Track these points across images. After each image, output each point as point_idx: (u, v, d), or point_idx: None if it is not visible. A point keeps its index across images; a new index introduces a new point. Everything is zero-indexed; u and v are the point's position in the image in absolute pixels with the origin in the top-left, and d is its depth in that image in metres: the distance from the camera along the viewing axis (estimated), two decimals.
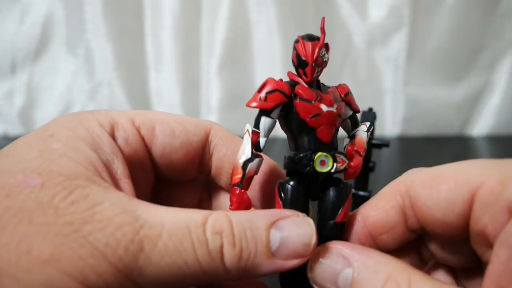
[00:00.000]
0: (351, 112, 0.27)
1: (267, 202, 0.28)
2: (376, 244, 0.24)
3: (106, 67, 0.85)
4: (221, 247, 0.20)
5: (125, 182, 0.24)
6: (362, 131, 0.26)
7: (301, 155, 0.24)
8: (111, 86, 0.86)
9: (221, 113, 0.84)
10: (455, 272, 0.25)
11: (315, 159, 0.23)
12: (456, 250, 0.24)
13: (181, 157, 0.28)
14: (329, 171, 0.24)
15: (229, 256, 0.20)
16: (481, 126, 0.90)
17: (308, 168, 0.23)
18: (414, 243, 0.25)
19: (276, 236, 0.21)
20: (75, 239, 0.19)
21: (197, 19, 0.83)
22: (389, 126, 0.88)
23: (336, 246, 0.23)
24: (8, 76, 0.85)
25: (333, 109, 0.24)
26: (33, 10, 0.83)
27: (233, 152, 0.27)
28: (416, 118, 0.88)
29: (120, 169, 0.24)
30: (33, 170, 0.20)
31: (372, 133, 0.40)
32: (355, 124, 0.27)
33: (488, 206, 0.20)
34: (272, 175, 0.28)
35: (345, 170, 0.24)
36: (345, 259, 0.21)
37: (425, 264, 0.26)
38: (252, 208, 0.28)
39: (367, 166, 0.42)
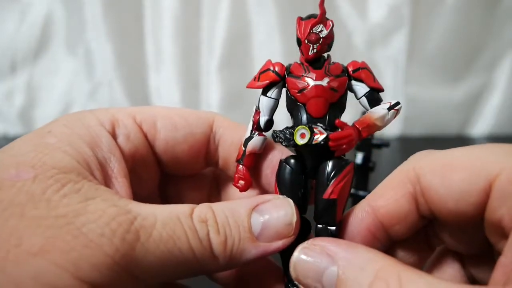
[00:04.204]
0: (366, 89, 0.25)
1: (268, 187, 0.28)
2: (389, 234, 0.24)
3: (106, 67, 0.85)
4: (208, 234, 0.21)
5: (121, 181, 0.24)
6: (379, 108, 0.25)
7: (283, 129, 0.24)
8: (111, 86, 0.86)
9: (221, 112, 0.84)
10: (462, 259, 0.25)
11: (294, 132, 0.23)
12: (468, 238, 0.23)
13: (186, 150, 0.28)
14: (307, 143, 0.23)
15: (216, 244, 0.21)
16: (481, 126, 0.90)
17: (288, 141, 0.24)
18: (422, 229, 0.24)
19: (257, 220, 0.22)
20: (68, 230, 0.18)
21: (197, 19, 0.83)
22: (389, 126, 0.88)
23: (320, 243, 0.21)
24: (8, 76, 0.85)
25: (322, 83, 0.24)
26: (33, 10, 0.83)
27: (239, 141, 0.26)
28: (416, 118, 0.88)
29: (116, 168, 0.24)
30: (26, 163, 0.20)
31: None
32: (374, 102, 0.25)
33: (506, 197, 0.19)
34: (277, 158, 0.27)
35: (324, 141, 0.23)
36: (329, 257, 0.20)
37: (432, 250, 0.25)
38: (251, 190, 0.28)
39: (367, 166, 0.42)
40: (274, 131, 0.25)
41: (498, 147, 0.20)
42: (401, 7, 0.81)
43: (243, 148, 0.25)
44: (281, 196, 0.24)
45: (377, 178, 0.48)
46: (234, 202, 0.23)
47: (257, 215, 0.22)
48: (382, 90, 0.25)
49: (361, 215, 0.24)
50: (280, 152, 0.27)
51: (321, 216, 0.24)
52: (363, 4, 0.83)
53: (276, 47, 0.82)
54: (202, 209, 0.22)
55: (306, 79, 0.24)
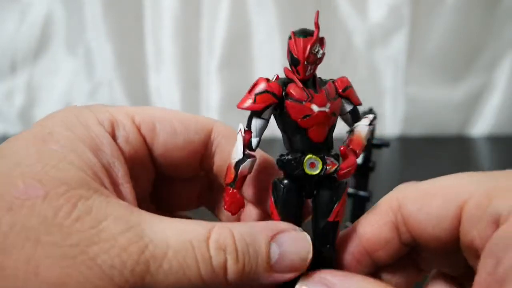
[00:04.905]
0: (351, 106, 0.26)
1: (261, 199, 0.28)
2: (372, 259, 0.25)
3: (106, 67, 0.85)
4: (225, 263, 0.21)
5: (126, 187, 0.24)
6: (363, 125, 0.26)
7: (290, 157, 0.24)
8: (111, 86, 0.86)
9: (221, 113, 0.84)
10: (458, 281, 0.25)
11: (304, 161, 0.23)
12: (452, 261, 0.24)
13: (183, 155, 0.28)
14: (319, 174, 0.24)
15: (232, 271, 0.21)
16: (481, 126, 0.90)
17: (297, 170, 0.24)
18: (411, 254, 0.25)
19: (275, 250, 0.22)
20: (82, 261, 0.19)
21: (197, 19, 0.83)
22: (389, 126, 0.88)
23: (319, 275, 0.23)
24: (8, 76, 0.85)
25: (325, 109, 0.24)
26: (33, 10, 0.83)
27: None
28: (416, 118, 0.88)
29: (120, 172, 0.24)
30: (33, 176, 0.20)
31: (372, 133, 0.40)
32: (356, 118, 0.26)
33: (475, 220, 0.20)
34: (268, 172, 0.27)
35: (335, 172, 0.24)
36: (327, 287, 0.22)
37: (420, 272, 0.26)
38: (245, 204, 0.28)
39: (367, 166, 0.42)
40: (279, 159, 0.24)
41: (469, 175, 0.22)
42: (401, 7, 0.81)
43: (234, 172, 0.24)
44: (298, 228, 0.24)
45: (377, 178, 0.48)
46: (252, 227, 0.23)
47: (275, 246, 0.22)
48: (361, 105, 0.26)
49: (347, 240, 0.25)
50: (267, 169, 0.27)
51: (326, 237, 0.24)
52: (363, 4, 0.83)
53: (276, 47, 0.82)
54: (221, 234, 0.21)
55: (311, 105, 0.23)
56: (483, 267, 0.19)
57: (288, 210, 0.24)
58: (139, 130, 0.26)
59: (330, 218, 0.24)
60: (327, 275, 0.22)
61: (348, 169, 0.24)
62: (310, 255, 0.23)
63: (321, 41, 0.24)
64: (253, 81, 0.26)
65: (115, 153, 0.24)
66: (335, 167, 0.24)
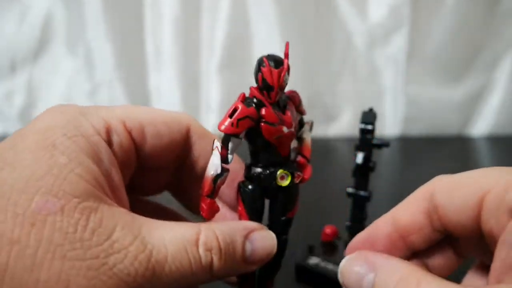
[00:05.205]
0: (299, 117, 0.30)
1: (232, 198, 0.31)
2: (406, 244, 0.27)
3: (106, 67, 0.85)
4: (211, 261, 0.25)
5: (122, 191, 0.27)
6: (307, 132, 0.31)
7: (267, 172, 0.28)
8: (111, 86, 0.86)
9: (221, 113, 0.84)
10: None
11: (277, 176, 0.28)
12: (482, 249, 0.25)
13: (166, 153, 0.31)
14: (288, 185, 0.28)
15: (217, 267, 0.25)
16: (481, 126, 0.90)
17: (271, 183, 0.28)
18: (447, 240, 0.27)
19: (248, 247, 0.27)
20: (103, 271, 0.21)
21: (197, 19, 0.83)
22: (389, 126, 0.88)
23: (363, 254, 0.26)
24: (8, 76, 0.85)
25: (292, 129, 0.27)
26: (33, 10, 0.83)
27: (210, 148, 0.29)
28: (416, 118, 0.88)
29: (116, 178, 0.26)
30: (49, 191, 0.22)
31: (372, 133, 0.40)
32: (301, 125, 0.31)
33: (493, 210, 0.22)
34: (238, 173, 0.30)
35: (300, 182, 0.29)
36: (369, 265, 0.24)
37: (461, 258, 0.28)
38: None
39: (367, 166, 0.42)
40: (254, 175, 0.28)
41: (494, 169, 0.24)
42: (401, 7, 0.81)
43: (213, 185, 0.26)
44: (265, 227, 0.28)
45: (377, 178, 0.48)
46: (231, 227, 0.26)
47: (248, 243, 0.27)
48: (305, 114, 0.30)
49: (384, 224, 0.27)
50: (234, 170, 0.29)
51: (284, 229, 0.30)
52: (363, 4, 0.83)
53: (276, 47, 0.82)
54: (208, 237, 0.25)
55: (282, 128, 0.27)
56: (498, 254, 0.21)
57: (254, 211, 0.28)
58: (130, 134, 0.29)
59: (290, 215, 0.29)
60: (370, 255, 0.25)
61: (309, 178, 0.30)
62: (275, 250, 0.28)
63: (289, 69, 0.27)
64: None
65: (112, 160, 0.26)
66: (300, 178, 0.28)
